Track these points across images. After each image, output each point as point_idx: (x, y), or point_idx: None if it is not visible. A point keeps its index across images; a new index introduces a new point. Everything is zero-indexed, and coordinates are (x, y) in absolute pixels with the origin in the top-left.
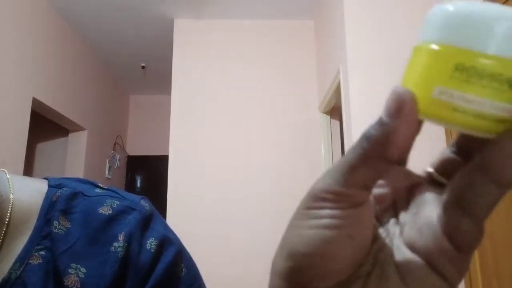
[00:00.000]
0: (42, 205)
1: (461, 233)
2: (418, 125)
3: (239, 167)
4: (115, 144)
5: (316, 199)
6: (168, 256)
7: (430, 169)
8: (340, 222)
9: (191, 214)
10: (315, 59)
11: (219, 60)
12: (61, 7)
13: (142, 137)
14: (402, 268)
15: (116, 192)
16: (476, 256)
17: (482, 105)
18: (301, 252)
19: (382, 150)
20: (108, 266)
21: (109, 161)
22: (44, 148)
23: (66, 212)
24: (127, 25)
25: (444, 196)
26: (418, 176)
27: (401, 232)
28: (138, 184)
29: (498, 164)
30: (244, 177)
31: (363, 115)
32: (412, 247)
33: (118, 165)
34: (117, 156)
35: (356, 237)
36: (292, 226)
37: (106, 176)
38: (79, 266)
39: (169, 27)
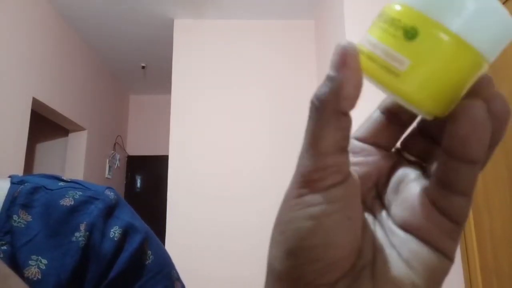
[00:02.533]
0: (4, 203)
1: (454, 209)
2: (362, 74)
3: (239, 167)
4: (115, 144)
5: (302, 185)
6: (132, 244)
7: (399, 148)
8: (336, 205)
9: (192, 214)
10: (315, 59)
11: (219, 60)
12: (61, 7)
13: (142, 137)
14: (402, 251)
15: (80, 184)
16: (476, 255)
17: (382, 50)
18: (301, 247)
19: (334, 104)
20: (68, 256)
21: (109, 161)
22: (44, 148)
23: (26, 206)
24: (127, 25)
25: (430, 178)
26: (392, 154)
27: (389, 212)
28: (138, 184)
29: (460, 146)
30: (244, 177)
31: (362, 115)
32: (404, 226)
33: (118, 165)
34: (117, 156)
35: (352, 217)
36: (284, 221)
37: (106, 176)
38: (40, 257)
39: (169, 27)
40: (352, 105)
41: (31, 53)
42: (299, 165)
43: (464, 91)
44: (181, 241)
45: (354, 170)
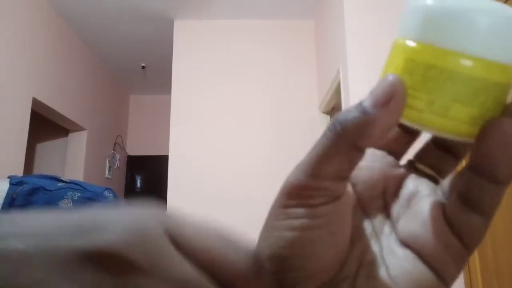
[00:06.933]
0: (3, 204)
1: (470, 229)
2: (399, 118)
3: (239, 167)
4: (115, 144)
5: (291, 196)
6: None
7: (413, 160)
8: (320, 220)
9: (191, 214)
10: (315, 59)
11: (219, 60)
12: (62, 7)
13: (142, 137)
14: (393, 268)
15: (78, 184)
16: (476, 256)
17: (452, 108)
18: (281, 255)
19: (355, 139)
20: None
21: (109, 161)
22: (44, 148)
23: (25, 208)
24: (127, 25)
25: (449, 193)
26: (405, 166)
27: (393, 226)
28: (138, 184)
29: (488, 164)
30: (244, 177)
31: None
32: (408, 241)
33: (118, 165)
34: (117, 156)
35: (337, 233)
36: (269, 227)
37: (106, 176)
38: None
39: (169, 27)
40: (373, 144)
41: (31, 53)
42: (293, 175)
43: (503, 106)
44: None
45: (357, 177)
